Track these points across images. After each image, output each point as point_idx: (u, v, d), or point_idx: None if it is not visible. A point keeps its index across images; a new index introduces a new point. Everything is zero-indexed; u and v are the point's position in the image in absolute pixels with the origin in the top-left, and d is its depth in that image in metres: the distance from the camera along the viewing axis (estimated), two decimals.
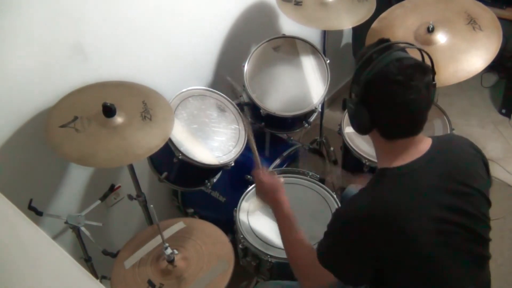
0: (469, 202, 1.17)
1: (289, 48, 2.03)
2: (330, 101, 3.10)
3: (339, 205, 1.71)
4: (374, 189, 1.16)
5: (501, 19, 1.78)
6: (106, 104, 1.42)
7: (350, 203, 1.19)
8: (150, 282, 1.42)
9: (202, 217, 1.99)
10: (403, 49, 1.13)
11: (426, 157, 1.15)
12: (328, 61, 2.01)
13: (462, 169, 1.20)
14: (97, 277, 1.78)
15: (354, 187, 1.78)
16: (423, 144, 1.17)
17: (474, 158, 1.24)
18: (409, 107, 1.08)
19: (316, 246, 1.21)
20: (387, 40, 1.15)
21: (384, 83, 1.08)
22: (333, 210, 1.70)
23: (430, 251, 1.10)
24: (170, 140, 1.60)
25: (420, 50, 1.18)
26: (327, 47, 2.18)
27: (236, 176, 1.94)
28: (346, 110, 1.22)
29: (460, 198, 1.16)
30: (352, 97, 1.17)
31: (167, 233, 1.61)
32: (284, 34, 2.07)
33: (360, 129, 1.18)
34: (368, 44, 1.19)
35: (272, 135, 2.09)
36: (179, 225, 1.65)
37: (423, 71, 1.08)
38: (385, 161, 1.17)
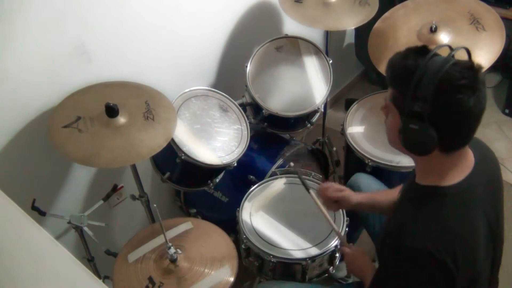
0: (501, 214, 1.17)
1: (292, 48, 2.03)
2: (333, 101, 3.10)
3: None
4: (436, 212, 1.06)
5: (504, 19, 1.77)
6: (109, 104, 1.42)
7: (409, 231, 1.06)
8: (150, 279, 1.42)
9: (204, 217, 2.00)
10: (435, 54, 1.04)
11: (476, 170, 1.10)
12: (330, 61, 2.01)
13: (497, 177, 1.20)
14: (100, 277, 1.79)
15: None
16: (469, 154, 1.11)
17: (498, 163, 1.24)
18: (476, 111, 1.00)
19: (370, 282, 1.18)
20: (424, 47, 1.05)
21: (452, 91, 0.97)
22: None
23: (480, 271, 1.09)
24: (172, 140, 1.60)
25: (465, 49, 1.08)
26: (330, 47, 2.18)
27: (239, 176, 1.94)
28: (402, 133, 1.05)
29: (497, 211, 1.15)
30: (403, 118, 1.04)
31: (174, 232, 1.61)
32: (286, 35, 2.07)
33: (425, 150, 1.05)
34: (396, 54, 1.07)
35: (275, 135, 2.09)
36: (187, 225, 1.64)
37: (478, 70, 1.00)
38: (436, 178, 1.08)
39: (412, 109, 1.00)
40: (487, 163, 1.18)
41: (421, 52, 1.04)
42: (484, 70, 1.01)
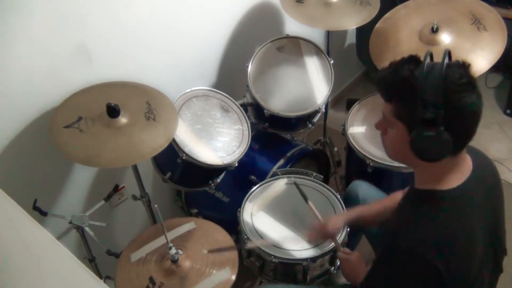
0: (500, 221, 1.18)
1: (293, 48, 2.03)
2: (334, 101, 3.10)
3: (343, 206, 1.70)
4: (434, 216, 1.07)
5: (506, 19, 1.77)
6: (110, 104, 1.42)
7: (406, 234, 1.08)
8: (151, 279, 1.42)
9: (205, 218, 1.99)
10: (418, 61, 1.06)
11: (474, 175, 1.10)
12: (332, 62, 2.01)
13: (495, 184, 1.20)
14: (101, 277, 1.79)
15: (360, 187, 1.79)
16: (468, 159, 1.12)
17: (497, 170, 1.23)
18: (479, 106, 1.02)
19: (363, 279, 1.19)
20: (413, 57, 1.07)
21: (458, 91, 0.99)
22: (337, 211, 1.69)
23: (474, 276, 1.09)
24: (174, 140, 1.60)
25: (448, 50, 1.07)
26: (331, 47, 2.18)
27: (240, 177, 1.94)
28: (416, 143, 1.04)
29: (495, 217, 1.16)
30: (416, 129, 1.03)
31: (177, 232, 1.61)
32: (287, 35, 2.07)
33: (441, 155, 1.04)
34: (382, 70, 1.08)
35: (276, 135, 2.09)
36: (190, 225, 1.65)
37: (468, 66, 1.03)
38: (433, 182, 1.09)
39: (424, 117, 0.99)
40: (485, 169, 1.18)
41: (411, 61, 1.05)
42: (471, 66, 1.04)
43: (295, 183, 1.72)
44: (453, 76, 0.99)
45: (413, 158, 1.06)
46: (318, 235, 1.57)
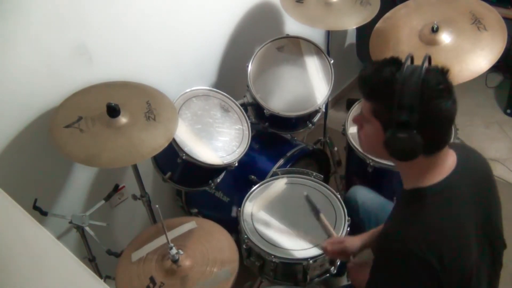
0: (493, 214, 1.18)
1: (293, 48, 2.03)
2: (334, 101, 3.10)
3: (343, 205, 1.70)
4: (417, 213, 1.09)
5: (506, 19, 1.77)
6: (110, 104, 1.42)
7: (395, 235, 1.10)
8: (152, 279, 1.43)
9: (205, 217, 1.99)
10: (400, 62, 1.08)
11: (458, 169, 1.12)
12: (332, 61, 2.01)
13: (485, 177, 1.21)
14: (101, 277, 1.79)
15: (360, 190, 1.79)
16: (450, 155, 1.14)
17: (488, 164, 1.25)
18: (453, 112, 1.05)
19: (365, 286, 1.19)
20: (395, 58, 1.09)
21: (434, 97, 1.02)
22: (337, 211, 1.69)
23: (471, 271, 1.10)
24: (174, 140, 1.60)
25: (428, 56, 1.10)
26: (331, 47, 2.18)
27: (240, 176, 1.94)
28: (389, 143, 1.07)
29: (487, 211, 1.16)
30: (390, 129, 1.06)
31: (178, 231, 1.62)
32: (288, 34, 2.07)
33: (412, 156, 1.07)
34: (366, 69, 1.11)
35: (276, 135, 2.09)
36: (191, 224, 1.65)
37: (447, 73, 1.06)
38: (416, 180, 1.11)
39: (399, 119, 1.02)
40: (473, 163, 1.20)
41: (392, 63, 1.07)
42: (450, 71, 1.06)
43: (307, 198, 1.71)
44: (431, 81, 1.02)
45: (387, 155, 1.10)
46: (335, 249, 1.49)
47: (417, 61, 1.08)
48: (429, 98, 1.01)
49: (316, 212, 1.65)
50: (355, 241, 1.48)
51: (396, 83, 1.02)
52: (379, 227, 1.52)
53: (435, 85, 1.02)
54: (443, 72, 1.06)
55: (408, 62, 1.06)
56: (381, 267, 1.14)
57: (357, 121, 1.18)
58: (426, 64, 1.04)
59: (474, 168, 1.19)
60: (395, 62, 1.08)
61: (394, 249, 1.08)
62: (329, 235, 1.60)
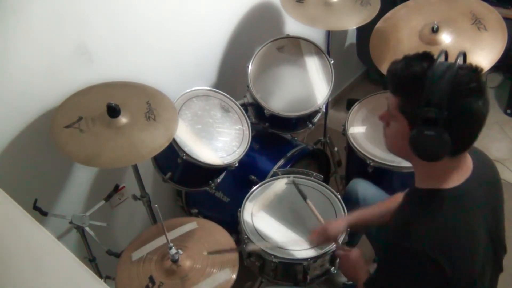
0: (500, 220, 1.18)
1: (293, 48, 2.03)
2: (334, 101, 3.10)
3: (343, 205, 1.70)
4: (435, 214, 1.07)
5: (506, 19, 1.77)
6: (110, 104, 1.42)
7: (409, 232, 1.07)
8: (151, 278, 1.43)
9: (206, 218, 1.99)
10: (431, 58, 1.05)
11: (475, 173, 1.11)
12: (332, 62, 2.01)
13: (495, 182, 1.21)
14: (101, 277, 1.79)
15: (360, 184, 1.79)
16: (468, 158, 1.12)
17: (496, 169, 1.24)
18: (485, 112, 1.02)
19: (368, 278, 1.20)
20: (428, 54, 1.06)
21: (464, 95, 0.99)
22: (337, 211, 1.69)
23: (476, 274, 1.10)
24: (174, 140, 1.60)
25: (463, 52, 1.08)
26: (331, 47, 2.18)
27: (240, 177, 1.94)
28: (415, 140, 1.04)
29: (496, 217, 1.17)
30: (416, 126, 1.03)
31: (178, 231, 1.62)
32: (288, 35, 2.07)
33: (438, 156, 1.04)
34: (396, 62, 1.08)
35: (276, 135, 2.09)
36: (192, 224, 1.65)
37: (481, 71, 1.03)
38: (436, 182, 1.10)
39: (426, 115, 1.00)
40: (485, 167, 1.19)
41: (424, 58, 1.05)
42: (484, 71, 1.03)
43: (294, 182, 1.73)
44: (462, 79, 0.99)
45: (411, 155, 1.07)
46: (320, 238, 1.56)
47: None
48: (459, 96, 0.99)
49: (303, 197, 1.67)
50: (338, 225, 1.54)
51: (426, 78, 1.00)
52: (370, 207, 1.57)
53: (467, 83, 0.99)
54: (475, 71, 1.02)
55: (442, 59, 1.03)
56: (388, 265, 1.13)
57: (383, 118, 1.15)
58: (460, 61, 1.01)
59: (487, 173, 1.18)
60: (427, 57, 1.05)
61: (406, 248, 1.06)
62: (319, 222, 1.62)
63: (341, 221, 1.58)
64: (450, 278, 1.03)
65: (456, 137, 1.01)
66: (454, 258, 1.03)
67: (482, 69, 1.03)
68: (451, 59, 1.05)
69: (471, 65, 1.04)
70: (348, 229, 1.61)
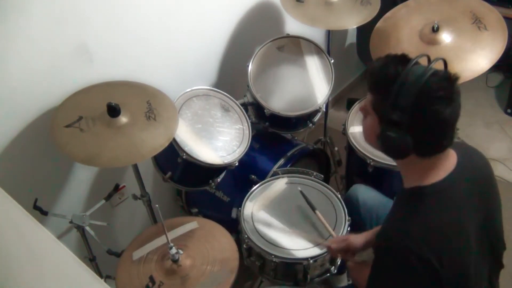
0: (494, 215, 1.18)
1: (293, 48, 2.03)
2: (334, 101, 3.10)
3: (343, 205, 1.70)
4: (416, 211, 1.09)
5: (506, 18, 1.77)
6: (110, 104, 1.42)
7: (394, 232, 1.10)
8: (151, 278, 1.43)
9: (206, 217, 1.99)
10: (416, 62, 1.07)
11: (458, 169, 1.12)
12: (332, 61, 2.01)
13: (485, 177, 1.21)
14: (101, 277, 1.79)
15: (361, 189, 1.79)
16: (451, 155, 1.13)
17: (488, 164, 1.24)
18: (451, 120, 1.04)
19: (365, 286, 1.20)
20: (405, 56, 1.08)
21: (430, 102, 1.01)
22: (337, 210, 1.69)
23: (470, 270, 1.10)
24: (174, 140, 1.60)
25: (443, 60, 1.10)
26: (332, 47, 2.18)
27: (240, 176, 1.94)
28: (380, 138, 1.09)
29: (488, 211, 1.16)
30: (383, 125, 1.08)
31: (179, 231, 1.62)
32: (288, 34, 2.07)
33: (400, 155, 1.11)
34: (376, 61, 1.11)
35: (276, 135, 2.09)
36: (193, 224, 1.65)
37: (455, 80, 1.04)
38: (417, 179, 1.12)
39: (391, 117, 1.04)
40: (472, 163, 1.19)
41: (401, 61, 1.07)
42: (459, 80, 1.05)
43: (302, 193, 1.72)
44: (431, 86, 1.01)
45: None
46: (340, 245, 1.49)
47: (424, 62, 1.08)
48: (424, 102, 1.01)
49: (312, 208, 1.67)
50: (359, 238, 1.48)
51: (397, 81, 1.02)
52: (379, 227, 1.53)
53: (434, 91, 1.01)
54: (449, 79, 1.04)
55: (424, 63, 1.05)
56: (380, 266, 1.14)
57: (362, 110, 1.19)
58: (446, 68, 1.03)
59: (475, 168, 1.19)
60: (403, 60, 1.07)
61: (393, 247, 1.08)
62: (329, 232, 1.61)
63: (361, 236, 1.50)
64: (442, 275, 1.04)
65: (419, 140, 1.04)
66: (443, 253, 1.04)
67: (457, 77, 1.04)
68: (449, 66, 1.07)
69: (445, 72, 1.06)
70: (349, 227, 1.61)
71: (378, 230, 1.44)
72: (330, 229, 1.61)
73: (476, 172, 1.19)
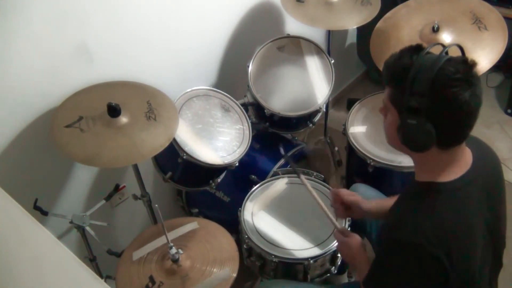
0: (500, 215, 1.18)
1: (294, 48, 2.03)
2: (335, 101, 3.10)
3: None
4: (430, 207, 1.07)
5: (507, 18, 1.77)
6: (111, 104, 1.42)
7: (404, 226, 1.08)
8: (151, 278, 1.43)
9: (206, 217, 1.99)
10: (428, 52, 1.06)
11: (473, 168, 1.11)
12: (332, 61, 2.01)
13: (496, 178, 1.21)
14: (101, 277, 1.79)
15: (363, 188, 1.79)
16: (467, 153, 1.13)
17: (499, 163, 1.25)
18: (472, 104, 1.01)
19: (365, 276, 1.19)
20: (420, 46, 1.08)
21: (447, 85, 0.99)
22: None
23: (475, 273, 1.10)
24: (174, 140, 1.60)
25: (458, 45, 1.11)
26: (332, 47, 2.18)
27: (241, 176, 1.94)
28: (401, 130, 1.07)
29: (495, 211, 1.16)
30: (402, 115, 1.06)
31: (179, 231, 1.62)
32: (288, 34, 2.07)
33: (423, 146, 1.06)
34: (392, 55, 1.10)
35: (277, 135, 2.09)
36: (193, 224, 1.65)
37: (473, 65, 1.03)
38: (432, 175, 1.10)
39: (410, 104, 1.02)
40: (486, 162, 1.19)
41: (416, 50, 1.07)
42: (477, 66, 1.04)
43: (289, 162, 1.70)
44: (448, 70, 1.00)
45: (404, 146, 1.09)
46: (346, 196, 1.50)
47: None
48: (442, 86, 0.99)
49: (296, 173, 1.66)
50: (365, 203, 1.48)
51: (412, 68, 1.01)
52: (386, 201, 1.48)
53: (451, 74, 0.99)
54: (466, 63, 1.03)
55: (441, 51, 1.04)
56: (386, 259, 1.13)
57: (382, 110, 1.17)
58: (460, 54, 1.02)
59: (487, 168, 1.18)
60: (417, 49, 1.07)
61: (403, 241, 1.06)
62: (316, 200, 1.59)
63: (370, 203, 1.50)
64: (450, 272, 1.03)
65: (441, 128, 1.02)
66: (452, 251, 1.03)
67: (474, 62, 1.03)
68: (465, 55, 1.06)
69: (461, 57, 1.05)
70: (350, 220, 1.61)
71: (386, 206, 1.40)
72: (318, 198, 1.58)
73: (488, 172, 1.18)
